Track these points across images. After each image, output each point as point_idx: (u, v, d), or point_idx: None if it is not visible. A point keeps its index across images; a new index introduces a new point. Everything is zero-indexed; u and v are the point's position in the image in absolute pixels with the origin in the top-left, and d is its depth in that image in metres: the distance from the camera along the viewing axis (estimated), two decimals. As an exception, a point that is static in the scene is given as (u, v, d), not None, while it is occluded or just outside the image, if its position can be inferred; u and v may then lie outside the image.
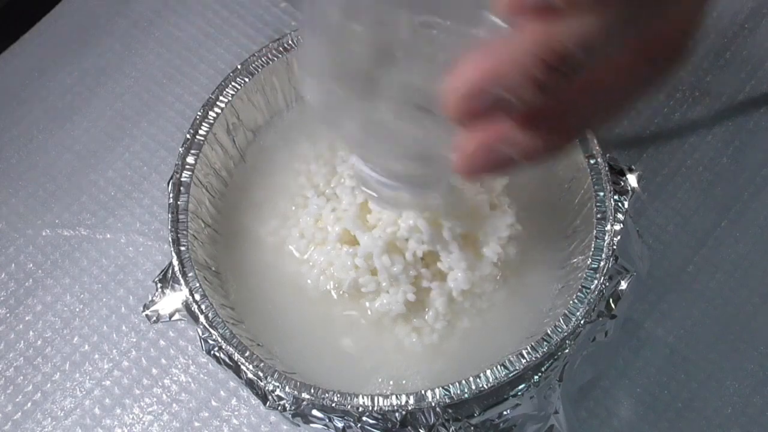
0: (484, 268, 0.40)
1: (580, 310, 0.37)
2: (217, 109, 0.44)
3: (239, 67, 0.44)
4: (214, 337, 0.37)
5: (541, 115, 0.25)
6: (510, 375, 0.35)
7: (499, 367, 0.35)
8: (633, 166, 0.42)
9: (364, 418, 0.36)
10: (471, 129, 0.25)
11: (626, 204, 0.40)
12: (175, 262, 0.39)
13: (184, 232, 0.40)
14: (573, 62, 0.23)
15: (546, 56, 0.22)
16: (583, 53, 0.22)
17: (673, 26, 0.25)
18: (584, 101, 0.25)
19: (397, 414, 0.36)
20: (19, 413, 0.49)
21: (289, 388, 0.36)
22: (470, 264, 0.40)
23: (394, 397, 0.35)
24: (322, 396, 0.35)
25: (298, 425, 0.38)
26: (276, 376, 0.36)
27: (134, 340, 0.50)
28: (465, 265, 0.40)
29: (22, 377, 0.50)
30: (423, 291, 0.40)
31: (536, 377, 0.37)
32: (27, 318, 0.52)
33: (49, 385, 0.50)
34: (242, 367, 0.37)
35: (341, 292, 0.41)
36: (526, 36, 0.22)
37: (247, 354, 0.37)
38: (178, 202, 0.41)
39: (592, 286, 0.37)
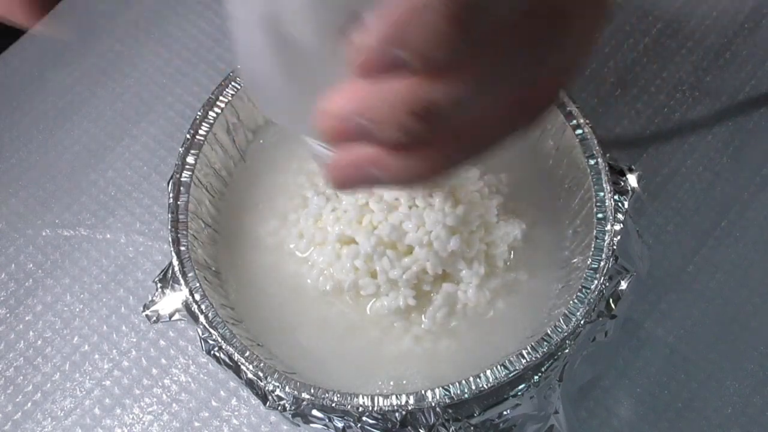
0: (495, 282, 0.41)
1: (580, 310, 0.37)
2: (217, 109, 0.44)
3: (239, 66, 0.44)
4: (214, 337, 0.37)
5: (405, 150, 0.25)
6: (510, 375, 0.35)
7: (499, 367, 0.35)
8: (633, 166, 0.42)
9: (364, 418, 0.36)
10: (342, 149, 0.26)
11: (626, 204, 0.40)
12: (175, 262, 0.39)
13: (184, 232, 0.40)
14: (439, 114, 0.23)
15: (413, 106, 0.23)
16: (450, 107, 0.23)
17: (550, 75, 0.26)
18: (448, 143, 0.25)
19: (397, 414, 0.36)
20: (19, 413, 0.49)
21: (289, 388, 0.36)
22: (482, 281, 0.40)
23: (394, 397, 0.35)
24: (322, 396, 0.35)
25: (298, 425, 0.38)
26: (276, 376, 0.36)
27: (134, 340, 0.50)
28: (477, 281, 0.40)
29: (22, 377, 0.50)
30: (423, 293, 0.40)
31: (536, 377, 0.37)
32: (27, 318, 0.52)
33: (49, 385, 0.50)
34: (242, 367, 0.37)
35: (341, 293, 0.41)
36: (400, 81, 0.23)
37: (247, 354, 0.37)
38: (178, 202, 0.41)
39: (592, 286, 0.37)
